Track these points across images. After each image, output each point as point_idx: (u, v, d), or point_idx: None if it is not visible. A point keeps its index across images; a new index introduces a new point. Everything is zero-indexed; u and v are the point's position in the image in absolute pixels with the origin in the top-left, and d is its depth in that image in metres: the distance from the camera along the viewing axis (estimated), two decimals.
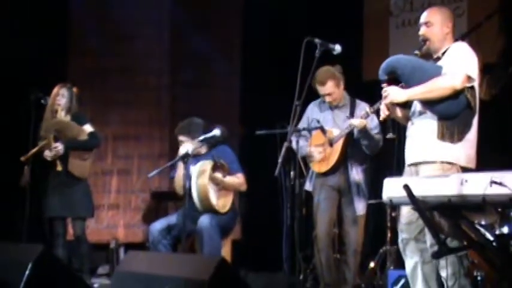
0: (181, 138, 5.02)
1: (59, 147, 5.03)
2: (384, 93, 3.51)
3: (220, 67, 6.86)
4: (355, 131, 4.53)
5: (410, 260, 3.50)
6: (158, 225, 4.89)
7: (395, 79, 3.52)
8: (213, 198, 4.83)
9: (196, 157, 4.94)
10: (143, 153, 6.72)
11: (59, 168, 5.03)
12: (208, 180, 4.78)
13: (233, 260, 5.21)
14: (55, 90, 5.15)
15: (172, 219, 4.95)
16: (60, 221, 5.09)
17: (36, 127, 5.07)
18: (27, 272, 3.08)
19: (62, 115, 5.14)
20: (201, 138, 4.79)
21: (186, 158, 4.60)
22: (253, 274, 5.12)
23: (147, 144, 6.74)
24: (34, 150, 5.05)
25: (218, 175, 4.89)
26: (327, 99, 4.66)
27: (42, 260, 3.17)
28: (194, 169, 4.82)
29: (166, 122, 6.77)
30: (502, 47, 5.17)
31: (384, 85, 3.50)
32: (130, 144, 6.74)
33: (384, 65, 3.51)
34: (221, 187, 4.92)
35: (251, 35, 6.81)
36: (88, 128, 5.20)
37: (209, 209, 4.80)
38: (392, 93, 3.47)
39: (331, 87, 4.61)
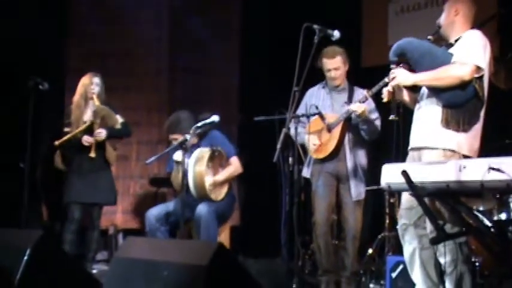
0: (174, 136, 4.93)
1: (103, 133, 5.10)
2: (391, 75, 3.50)
3: (219, 52, 6.83)
4: (353, 116, 4.53)
5: (409, 246, 3.50)
6: (155, 211, 4.89)
7: (405, 61, 3.50)
8: (208, 186, 4.82)
9: (194, 148, 4.95)
10: (142, 139, 6.71)
11: (93, 154, 5.07)
12: (205, 167, 4.77)
13: (232, 245, 5.23)
14: (86, 79, 5.23)
15: (170, 205, 4.95)
16: (79, 206, 5.10)
17: (34, 113, 5.06)
18: (25, 258, 3.09)
19: (96, 104, 5.17)
20: (199, 124, 4.77)
21: (184, 144, 4.59)
22: (251, 260, 5.13)
23: (145, 130, 6.73)
24: (71, 135, 5.08)
25: (216, 178, 4.87)
26: (333, 74, 4.63)
27: (40, 245, 3.17)
28: (192, 156, 4.81)
29: (165, 108, 6.75)
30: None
31: (392, 66, 3.50)
32: None
33: (394, 46, 3.51)
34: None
35: (250, 20, 6.79)
36: (119, 117, 5.31)
37: (204, 196, 4.79)
38: (400, 76, 3.47)
39: (339, 62, 4.61)
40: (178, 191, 5.00)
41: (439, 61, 3.37)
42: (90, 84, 5.20)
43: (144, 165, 6.06)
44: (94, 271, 5.26)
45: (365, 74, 5.60)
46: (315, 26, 3.88)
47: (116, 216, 6.56)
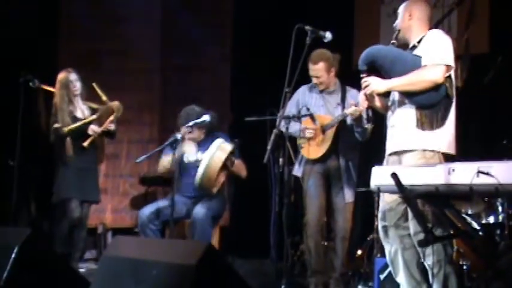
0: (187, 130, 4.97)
1: (112, 127, 5.09)
2: (364, 83, 3.53)
3: (211, 52, 6.84)
4: (349, 119, 4.53)
5: (391, 247, 3.53)
6: (147, 209, 4.89)
7: (374, 69, 3.53)
8: (219, 177, 4.80)
9: (200, 144, 4.99)
10: (132, 138, 6.70)
11: (86, 144, 4.98)
12: (224, 159, 4.74)
13: (221, 246, 5.22)
14: (64, 76, 5.09)
15: (162, 203, 4.94)
16: (78, 203, 5.02)
17: (25, 110, 5.02)
18: (13, 256, 3.07)
19: (80, 102, 5.12)
20: (191, 123, 4.78)
21: (174, 143, 4.59)
22: (240, 260, 5.13)
23: (136, 128, 6.72)
24: (81, 122, 5.01)
25: (235, 161, 4.88)
26: (314, 80, 4.65)
27: (29, 243, 3.16)
28: (214, 143, 4.79)
29: (157, 107, 6.75)
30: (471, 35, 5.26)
31: (363, 75, 3.52)
32: (119, 129, 6.67)
33: (363, 55, 3.54)
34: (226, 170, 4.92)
35: (242, 20, 6.79)
36: None
37: (207, 186, 4.77)
38: (374, 84, 3.50)
39: (320, 70, 4.60)
40: (161, 173, 5.04)
41: (409, 66, 3.40)
42: (70, 81, 5.08)
43: (134, 163, 6.05)
44: (82, 270, 5.23)
45: (357, 75, 5.61)
46: (307, 27, 3.88)
47: (106, 214, 6.55)
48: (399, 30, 3.56)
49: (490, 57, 5.08)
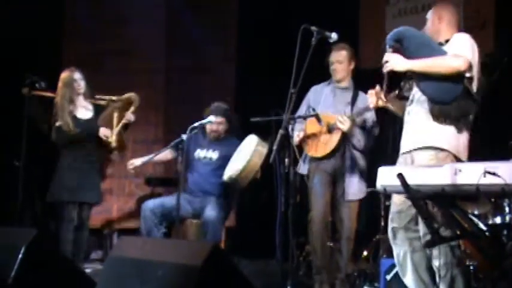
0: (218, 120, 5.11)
1: (133, 118, 5.14)
2: (385, 59, 3.44)
3: (215, 52, 6.84)
4: (357, 119, 4.55)
5: (400, 249, 3.51)
6: (151, 202, 4.91)
7: (399, 50, 3.45)
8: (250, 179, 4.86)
9: (215, 142, 5.08)
10: (138, 138, 6.70)
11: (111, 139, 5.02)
12: (263, 158, 4.80)
13: (226, 246, 5.22)
14: (67, 75, 5.05)
15: (167, 201, 4.94)
16: (75, 205, 5.00)
17: (29, 111, 5.02)
18: (20, 256, 3.08)
19: (82, 101, 5.10)
20: (196, 124, 4.78)
21: (180, 144, 4.60)
22: (246, 260, 5.12)
23: (141, 129, 6.72)
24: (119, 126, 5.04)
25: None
26: (335, 66, 4.68)
27: (35, 244, 3.16)
28: (252, 140, 4.88)
29: (161, 107, 6.76)
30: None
31: (389, 50, 3.43)
32: None
33: (393, 32, 3.48)
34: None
35: (247, 20, 6.79)
36: None
37: (242, 181, 4.83)
38: (393, 61, 3.40)
39: (343, 56, 4.66)
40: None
41: (435, 53, 3.36)
42: (74, 80, 5.03)
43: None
44: (88, 270, 5.23)
45: (362, 76, 5.61)
46: (313, 28, 3.88)
47: (111, 215, 6.56)
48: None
49: (495, 57, 5.07)
